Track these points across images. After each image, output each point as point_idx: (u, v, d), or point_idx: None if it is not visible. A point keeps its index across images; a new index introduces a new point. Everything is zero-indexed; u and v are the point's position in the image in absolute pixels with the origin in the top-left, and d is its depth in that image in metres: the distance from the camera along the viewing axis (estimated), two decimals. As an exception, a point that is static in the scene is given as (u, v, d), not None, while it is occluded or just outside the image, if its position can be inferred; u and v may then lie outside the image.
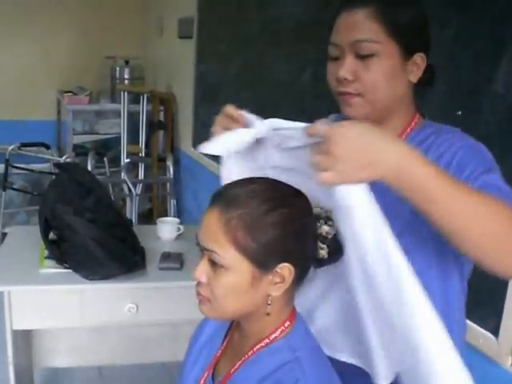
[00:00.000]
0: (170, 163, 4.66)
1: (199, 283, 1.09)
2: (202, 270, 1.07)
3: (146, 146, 4.87)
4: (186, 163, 4.70)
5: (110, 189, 4.90)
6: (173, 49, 4.90)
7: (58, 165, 2.61)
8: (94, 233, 2.18)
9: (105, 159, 4.94)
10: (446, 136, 1.26)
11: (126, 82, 5.27)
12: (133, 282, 2.31)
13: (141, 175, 4.90)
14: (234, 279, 1.04)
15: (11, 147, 4.80)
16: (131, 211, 4.64)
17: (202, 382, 1.23)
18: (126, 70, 5.27)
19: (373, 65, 1.23)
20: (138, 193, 4.72)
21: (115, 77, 5.30)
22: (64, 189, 2.37)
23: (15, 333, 2.29)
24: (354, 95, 1.26)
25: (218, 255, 1.04)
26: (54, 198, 2.28)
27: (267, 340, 1.12)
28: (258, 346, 1.12)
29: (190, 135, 4.41)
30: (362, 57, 1.23)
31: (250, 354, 1.13)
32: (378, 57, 1.22)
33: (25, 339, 2.69)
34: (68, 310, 2.30)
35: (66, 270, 2.30)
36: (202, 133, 4.17)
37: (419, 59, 1.26)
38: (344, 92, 1.27)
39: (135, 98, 4.89)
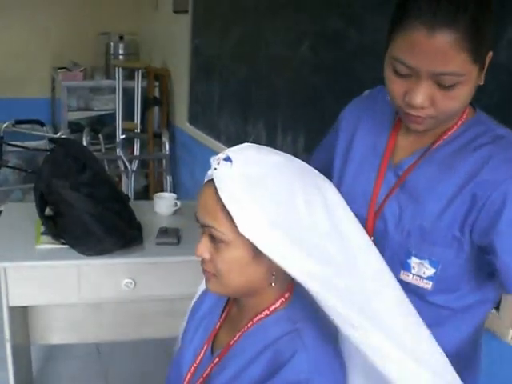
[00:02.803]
0: (165, 139, 4.64)
1: (203, 260, 1.09)
2: (204, 247, 1.07)
3: (142, 122, 4.83)
4: (181, 139, 4.67)
5: (106, 165, 4.88)
6: (168, 23, 4.84)
7: (53, 140, 2.58)
8: (90, 207, 2.15)
9: (100, 136, 4.91)
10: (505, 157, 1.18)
11: (121, 57, 5.23)
12: (130, 257, 2.29)
13: (136, 151, 4.87)
14: (235, 253, 1.04)
15: (5, 124, 4.78)
16: (127, 187, 4.63)
17: (201, 354, 1.23)
18: (121, 46, 5.23)
19: (454, 94, 1.13)
20: (134, 169, 4.70)
21: (110, 53, 5.24)
22: (59, 164, 2.34)
23: (12, 309, 2.27)
24: (426, 118, 1.19)
25: (217, 231, 1.03)
26: (50, 173, 2.25)
27: (267, 311, 1.12)
28: (257, 318, 1.12)
29: (186, 111, 4.38)
30: (445, 87, 1.12)
31: (249, 325, 1.13)
32: (461, 86, 1.12)
33: (21, 316, 2.68)
34: (65, 285, 2.28)
35: (62, 246, 2.28)
36: (198, 108, 4.15)
37: (488, 59, 1.16)
38: (414, 115, 1.19)
39: (130, 74, 4.84)
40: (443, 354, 1.07)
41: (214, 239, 1.05)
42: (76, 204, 2.14)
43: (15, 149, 4.88)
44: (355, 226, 1.08)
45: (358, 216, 1.36)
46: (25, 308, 2.72)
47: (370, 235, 1.30)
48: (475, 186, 1.18)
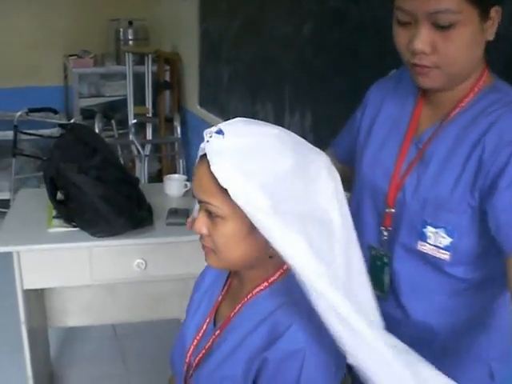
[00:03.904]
0: (177, 123, 4.65)
1: (202, 236, 1.10)
2: (202, 222, 1.08)
3: (153, 107, 4.84)
4: (193, 122, 4.68)
5: (119, 150, 4.91)
6: (176, 7, 4.84)
7: (63, 125, 2.61)
8: (99, 190, 2.18)
9: (112, 121, 4.93)
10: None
11: (131, 43, 5.23)
12: (140, 237, 2.32)
13: (149, 136, 4.89)
14: (232, 227, 1.04)
15: (19, 113, 4.80)
16: (141, 172, 4.65)
17: (204, 327, 1.25)
18: (130, 31, 5.22)
19: (453, 36, 1.15)
20: (147, 153, 4.72)
21: (119, 38, 5.25)
22: (69, 148, 2.37)
23: (26, 293, 2.32)
24: (431, 68, 1.20)
25: (212, 206, 1.04)
26: (59, 158, 2.28)
27: (266, 283, 1.13)
28: (257, 289, 1.13)
29: (196, 94, 4.39)
30: (440, 27, 1.14)
31: (249, 297, 1.14)
32: (459, 26, 1.14)
33: (38, 299, 2.72)
34: (77, 268, 2.32)
35: (73, 229, 2.32)
36: (208, 91, 4.16)
37: (494, 13, 1.17)
38: (419, 64, 1.21)
39: (140, 59, 4.85)
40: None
41: (210, 214, 1.06)
42: (84, 187, 2.17)
43: (30, 137, 4.92)
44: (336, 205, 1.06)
45: (378, 189, 1.39)
46: (41, 291, 2.77)
47: (391, 207, 1.36)
48: (481, 149, 1.20)
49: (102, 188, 2.19)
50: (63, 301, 2.87)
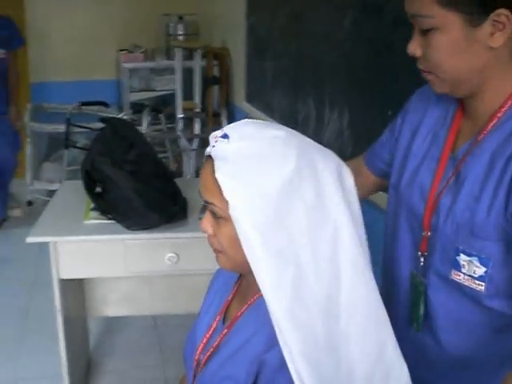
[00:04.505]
0: (224, 118, 4.68)
1: (209, 236, 1.10)
2: (207, 222, 1.08)
3: (202, 102, 4.89)
4: (240, 117, 4.69)
5: (167, 144, 4.98)
6: (226, 2, 4.87)
7: (103, 119, 2.66)
8: (131, 184, 2.22)
9: (161, 115, 5.00)
10: None
11: (181, 38, 5.29)
12: (173, 231, 2.35)
13: (196, 130, 4.94)
14: (234, 229, 1.03)
15: (71, 106, 4.94)
16: (188, 166, 4.70)
17: (214, 325, 1.25)
18: (180, 26, 5.29)
19: (433, 41, 1.12)
20: (194, 148, 4.77)
21: (170, 33, 5.32)
22: (107, 142, 2.43)
23: (63, 282, 2.38)
24: (428, 73, 1.18)
25: (215, 207, 1.04)
26: (95, 151, 2.33)
27: None
28: (260, 293, 1.13)
29: (243, 90, 4.40)
30: (424, 32, 1.12)
31: (254, 298, 1.14)
32: (436, 32, 1.10)
33: (77, 289, 2.79)
34: (112, 259, 2.37)
35: (109, 221, 2.36)
36: (254, 87, 4.16)
37: (502, 18, 1.07)
38: (420, 70, 1.19)
39: (190, 54, 4.90)
40: None
41: (215, 215, 1.06)
42: (117, 180, 2.22)
43: (82, 130, 5.04)
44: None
45: (415, 211, 1.30)
46: (80, 281, 2.84)
47: (427, 231, 1.27)
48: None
49: (134, 182, 2.22)
50: (103, 291, 2.93)
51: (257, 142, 1.01)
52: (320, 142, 1.07)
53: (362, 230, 1.06)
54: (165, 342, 3.27)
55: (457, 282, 1.22)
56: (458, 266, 1.21)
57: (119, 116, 4.77)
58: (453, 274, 1.22)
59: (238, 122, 1.07)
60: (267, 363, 1.05)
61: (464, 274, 1.20)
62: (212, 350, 1.21)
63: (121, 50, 5.40)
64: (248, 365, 1.07)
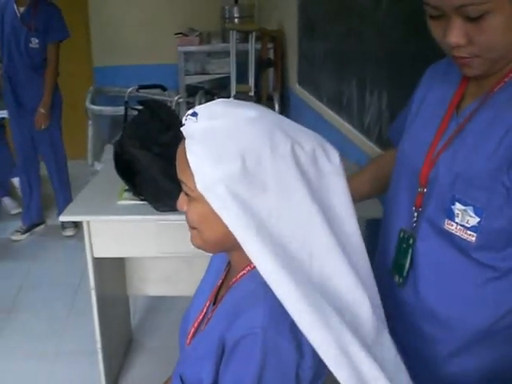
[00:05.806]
0: (276, 101, 4.65)
1: (185, 213, 1.12)
2: (182, 201, 1.11)
3: (256, 85, 4.87)
4: (293, 100, 4.67)
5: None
6: (281, -16, 4.83)
7: (141, 102, 2.68)
8: (159, 165, 2.23)
9: (215, 98, 5.01)
10: None
11: (236, 20, 5.28)
12: (203, 213, 2.35)
13: (250, 114, 4.92)
14: (201, 208, 1.05)
15: (129, 89, 5.01)
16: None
17: (204, 309, 1.25)
18: (236, 9, 5.29)
19: (485, 26, 1.09)
20: (248, 131, 4.76)
21: (225, 16, 5.32)
22: (141, 125, 2.45)
23: (98, 261, 2.43)
24: (471, 58, 1.16)
25: (186, 186, 1.06)
26: (127, 134, 2.35)
27: (249, 267, 1.12)
28: (240, 274, 1.13)
29: (295, 72, 4.36)
30: (471, 19, 1.09)
31: (234, 281, 1.14)
32: (490, 15, 1.08)
33: (117, 268, 2.85)
34: (144, 240, 2.40)
35: (141, 202, 2.39)
36: (305, 69, 4.12)
37: None
38: (459, 57, 1.18)
39: (245, 37, 4.89)
40: None
41: (187, 194, 1.07)
42: (144, 162, 2.23)
43: (139, 113, 5.11)
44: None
45: (414, 168, 1.33)
46: (121, 260, 2.90)
47: (423, 186, 1.30)
48: None
49: (161, 163, 2.23)
50: (143, 271, 2.98)
51: (225, 121, 1.00)
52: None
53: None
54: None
55: (448, 231, 1.24)
56: (451, 216, 1.24)
57: (175, 99, 4.81)
58: (445, 223, 1.25)
59: (212, 102, 1.06)
60: (227, 340, 1.05)
61: (457, 223, 1.23)
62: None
63: (176, 34, 5.43)
64: (215, 344, 1.07)
